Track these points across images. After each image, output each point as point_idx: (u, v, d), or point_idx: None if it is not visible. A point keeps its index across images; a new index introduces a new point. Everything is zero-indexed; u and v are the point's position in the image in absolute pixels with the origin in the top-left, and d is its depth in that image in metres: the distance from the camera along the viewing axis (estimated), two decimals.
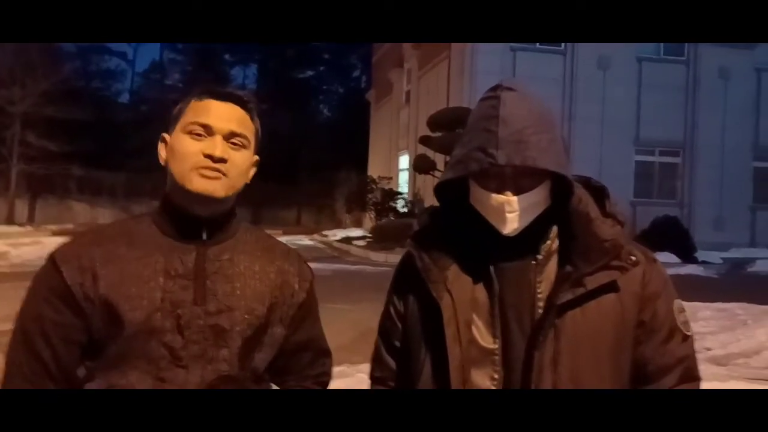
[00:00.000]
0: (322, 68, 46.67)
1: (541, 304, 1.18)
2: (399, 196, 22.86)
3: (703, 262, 15.43)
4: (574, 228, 1.20)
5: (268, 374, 1.32)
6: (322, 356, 1.45)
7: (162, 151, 1.26)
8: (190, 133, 1.22)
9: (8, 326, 1.27)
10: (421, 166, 18.69)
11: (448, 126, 17.68)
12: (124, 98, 44.61)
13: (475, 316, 1.20)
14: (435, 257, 1.24)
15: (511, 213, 1.17)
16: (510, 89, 1.19)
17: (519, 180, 1.17)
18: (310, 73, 45.54)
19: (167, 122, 1.28)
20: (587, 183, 1.27)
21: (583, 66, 19.29)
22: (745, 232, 19.48)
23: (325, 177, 30.70)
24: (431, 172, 18.38)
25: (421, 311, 1.25)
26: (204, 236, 1.24)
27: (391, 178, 24.91)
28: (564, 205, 1.22)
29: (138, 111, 39.23)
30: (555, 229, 1.23)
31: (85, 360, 1.21)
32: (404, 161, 24.58)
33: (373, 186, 24.02)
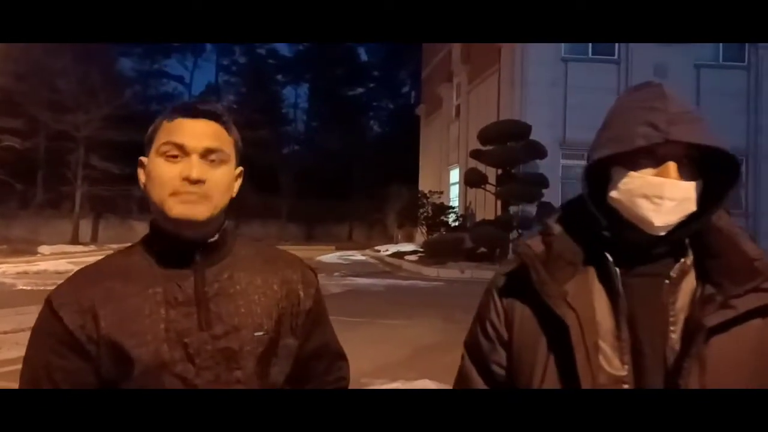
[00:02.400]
0: (372, 85, 47.24)
1: (673, 327, 1.06)
2: (450, 211, 22.77)
3: None
4: (716, 244, 1.08)
5: (288, 385, 1.28)
6: (337, 360, 1.42)
7: (141, 176, 1.21)
8: (164, 155, 1.16)
9: None
10: (472, 179, 18.59)
11: (498, 139, 17.57)
12: None
13: (599, 338, 1.07)
14: (550, 269, 1.10)
15: (671, 201, 1.03)
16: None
17: (678, 169, 1.04)
18: (360, 90, 46.16)
19: (143, 146, 1.23)
20: None
21: (638, 75, 18.78)
22: None
23: (377, 193, 30.87)
24: (482, 186, 18.25)
25: (536, 331, 1.11)
26: (197, 258, 1.19)
27: (441, 193, 24.85)
28: (700, 217, 1.09)
29: None
30: (688, 243, 1.10)
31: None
32: (455, 175, 24.49)
33: (424, 201, 24.00)
